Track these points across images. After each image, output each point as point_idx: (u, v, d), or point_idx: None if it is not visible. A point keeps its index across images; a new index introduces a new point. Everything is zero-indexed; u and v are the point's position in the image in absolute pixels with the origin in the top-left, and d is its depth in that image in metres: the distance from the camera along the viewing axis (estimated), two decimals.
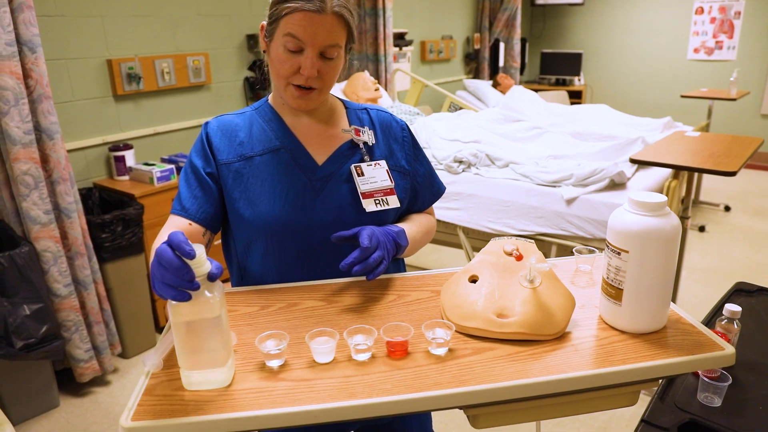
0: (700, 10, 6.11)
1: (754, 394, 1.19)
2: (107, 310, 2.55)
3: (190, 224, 1.03)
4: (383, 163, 1.11)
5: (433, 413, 1.31)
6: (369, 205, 1.06)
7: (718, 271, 3.57)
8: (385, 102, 4.11)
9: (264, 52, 1.06)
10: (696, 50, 6.23)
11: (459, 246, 3.10)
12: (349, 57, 1.09)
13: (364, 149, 1.11)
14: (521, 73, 6.56)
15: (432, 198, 1.24)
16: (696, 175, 3.02)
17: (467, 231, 3.00)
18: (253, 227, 1.05)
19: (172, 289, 0.68)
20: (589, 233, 2.60)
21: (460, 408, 0.75)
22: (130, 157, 2.87)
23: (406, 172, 1.17)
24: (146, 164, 2.89)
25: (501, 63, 6.18)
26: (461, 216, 2.93)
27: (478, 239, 2.98)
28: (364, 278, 1.02)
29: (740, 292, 1.62)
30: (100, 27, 2.78)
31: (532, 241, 1.00)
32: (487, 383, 0.73)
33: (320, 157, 1.09)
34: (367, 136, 1.12)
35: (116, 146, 2.85)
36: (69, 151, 2.66)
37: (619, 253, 0.83)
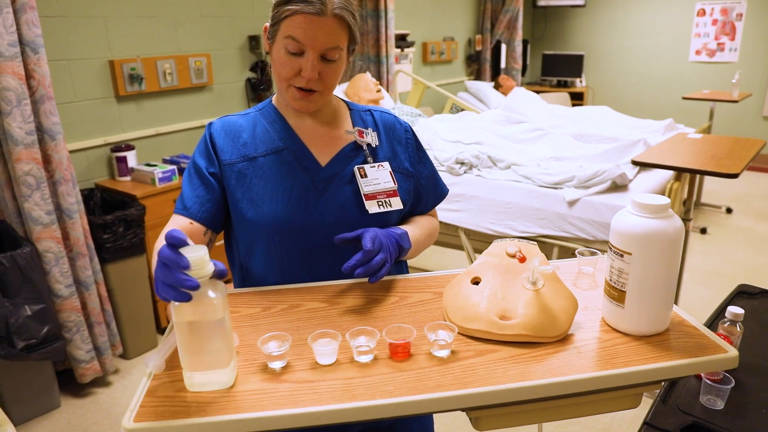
0: (702, 12, 6.10)
1: (757, 396, 1.18)
2: (108, 310, 2.55)
3: (191, 223, 1.04)
4: (386, 164, 1.11)
5: (435, 415, 1.31)
6: (372, 207, 1.06)
7: (720, 273, 3.56)
8: (387, 103, 4.11)
9: (267, 53, 1.06)
10: (698, 52, 6.22)
11: (461, 247, 3.09)
12: (352, 58, 1.09)
13: (367, 151, 1.11)
14: (523, 74, 6.56)
15: (435, 200, 1.24)
16: (698, 177, 3.01)
17: (469, 232, 2.99)
18: (255, 228, 1.05)
19: (173, 290, 0.68)
20: (590, 235, 2.60)
21: (463, 410, 0.75)
22: (131, 158, 2.87)
23: (410, 174, 1.16)
24: (148, 165, 2.89)
25: (503, 64, 6.19)
26: (463, 217, 2.93)
27: (480, 241, 2.98)
28: (366, 280, 1.02)
29: (743, 294, 1.62)
30: (102, 28, 2.78)
31: (535, 242, 1.00)
32: (489, 385, 0.73)
33: (323, 158, 1.09)
34: (371, 138, 1.12)
35: (118, 147, 2.86)
36: (71, 151, 2.66)
37: (621, 255, 0.83)
